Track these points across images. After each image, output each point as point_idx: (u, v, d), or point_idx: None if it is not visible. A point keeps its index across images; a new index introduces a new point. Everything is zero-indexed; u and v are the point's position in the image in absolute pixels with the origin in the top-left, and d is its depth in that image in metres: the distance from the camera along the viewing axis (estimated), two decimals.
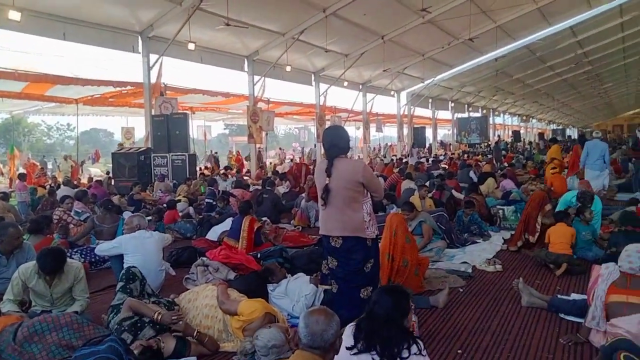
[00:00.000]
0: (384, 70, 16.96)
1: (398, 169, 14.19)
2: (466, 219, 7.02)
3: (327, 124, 18.04)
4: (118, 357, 2.39)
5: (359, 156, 22.01)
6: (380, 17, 12.85)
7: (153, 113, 11.54)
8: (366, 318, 2.20)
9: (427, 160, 19.20)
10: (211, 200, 8.34)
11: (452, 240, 6.19)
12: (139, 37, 11.00)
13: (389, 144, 28.28)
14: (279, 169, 15.42)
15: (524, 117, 39.47)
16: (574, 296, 4.18)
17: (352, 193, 3.28)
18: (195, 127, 21.01)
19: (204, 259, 4.56)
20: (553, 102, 34.04)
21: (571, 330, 3.56)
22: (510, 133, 36.83)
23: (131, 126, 18.36)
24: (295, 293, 3.95)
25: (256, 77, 13.72)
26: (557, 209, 6.49)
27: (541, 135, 34.47)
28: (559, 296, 4.20)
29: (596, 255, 5.18)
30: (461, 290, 4.58)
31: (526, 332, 3.58)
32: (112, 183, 11.56)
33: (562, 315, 3.84)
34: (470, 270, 5.14)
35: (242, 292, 3.72)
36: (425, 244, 5.69)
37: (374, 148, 27.83)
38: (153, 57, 11.22)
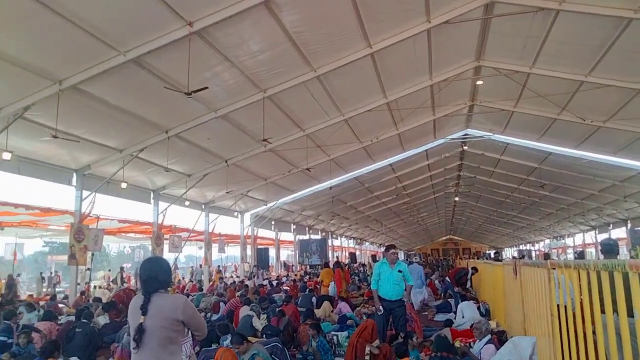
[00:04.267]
0: (227, 192, 17.16)
1: (239, 292, 13.75)
2: (315, 343, 6.98)
3: (165, 244, 17.06)
4: None
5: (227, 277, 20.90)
6: (224, 142, 13.31)
7: None
8: None
9: (270, 283, 19.11)
10: (5, 338, 6.82)
11: None
12: None
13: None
14: (100, 293, 13.62)
15: (359, 240, 42.84)
16: None
17: (170, 333, 2.95)
18: (4, 245, 18.00)
19: None
20: (381, 227, 37.84)
21: None
22: (347, 254, 39.35)
23: None
24: None
25: (85, 192, 12.62)
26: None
27: (373, 257, 37.53)
28: None
29: None
30: None
31: None
32: None
33: None
34: None
35: None
36: None
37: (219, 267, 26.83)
38: None
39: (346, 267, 19.24)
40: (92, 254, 14.35)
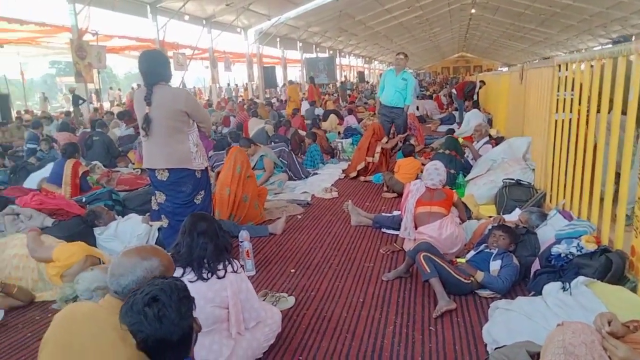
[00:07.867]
0: (227, 5, 16.15)
1: (246, 106, 14.03)
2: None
3: (171, 62, 16.78)
4: None
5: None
6: None
7: None
8: (183, 242, 2.13)
9: (278, 100, 19.34)
10: (34, 145, 7.26)
11: (295, 173, 6.41)
12: None
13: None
14: (114, 110, 14.00)
15: (367, 59, 41.71)
16: (395, 213, 4.69)
17: (175, 123, 3.09)
18: (6, 64, 17.82)
19: (14, 206, 3.99)
20: (392, 45, 36.40)
21: (389, 242, 4.02)
22: (355, 74, 38.79)
23: None
24: (127, 234, 3.74)
25: (79, 6, 11.94)
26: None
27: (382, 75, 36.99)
28: (382, 213, 4.68)
29: None
30: (299, 217, 4.82)
31: (353, 247, 3.94)
32: None
33: (384, 230, 4.30)
34: (309, 199, 5.42)
35: (63, 238, 3.38)
36: (268, 177, 5.79)
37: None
38: None
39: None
40: (99, 72, 14.31)
